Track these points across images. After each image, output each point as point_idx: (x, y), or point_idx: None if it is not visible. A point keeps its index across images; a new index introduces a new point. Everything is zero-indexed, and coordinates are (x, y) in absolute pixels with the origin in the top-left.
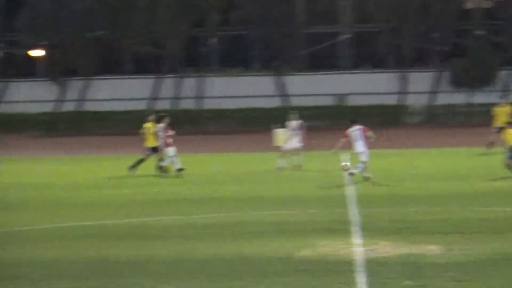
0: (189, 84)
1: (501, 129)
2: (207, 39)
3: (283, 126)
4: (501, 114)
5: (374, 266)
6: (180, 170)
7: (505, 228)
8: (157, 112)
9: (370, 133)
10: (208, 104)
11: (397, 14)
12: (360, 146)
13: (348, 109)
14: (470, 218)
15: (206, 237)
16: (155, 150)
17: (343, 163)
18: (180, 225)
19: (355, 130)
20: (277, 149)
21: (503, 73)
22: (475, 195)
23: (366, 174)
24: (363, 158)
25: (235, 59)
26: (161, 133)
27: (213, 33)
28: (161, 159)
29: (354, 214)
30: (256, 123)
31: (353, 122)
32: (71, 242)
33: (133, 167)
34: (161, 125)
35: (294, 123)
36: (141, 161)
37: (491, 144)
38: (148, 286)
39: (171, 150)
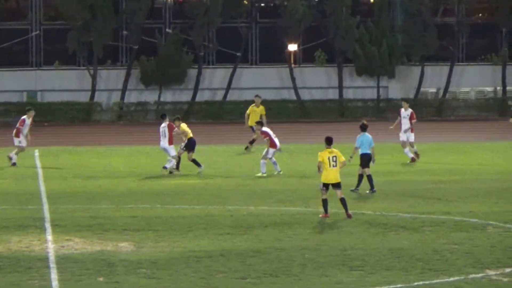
0: None
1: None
2: None
3: None
4: (252, 113)
5: (66, 262)
6: None
7: (194, 225)
8: None
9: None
10: None
11: (87, 11)
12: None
13: (39, 105)
14: (160, 215)
15: None
16: None
17: None
18: None
19: (163, 127)
20: None
21: (192, 72)
22: (166, 192)
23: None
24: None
25: None
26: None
27: None
28: None
29: (46, 210)
30: None
31: (163, 118)
32: None
33: None
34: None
35: None
36: None
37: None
38: None
39: None
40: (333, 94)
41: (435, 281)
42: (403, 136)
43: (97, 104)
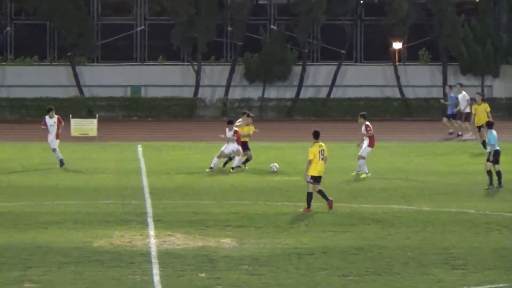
0: None
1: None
2: (2, 27)
3: (78, 116)
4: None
5: (168, 258)
6: None
7: (296, 222)
8: None
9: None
10: (4, 93)
11: (191, 6)
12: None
13: (142, 100)
14: (263, 212)
15: (2, 225)
16: None
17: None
18: None
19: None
20: (74, 139)
21: (296, 69)
22: (268, 189)
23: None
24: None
25: (31, 48)
26: None
27: (9, 21)
28: None
29: (149, 205)
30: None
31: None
32: None
33: None
34: None
35: None
36: None
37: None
38: None
39: None
40: (437, 93)
41: None
42: None
43: (200, 100)
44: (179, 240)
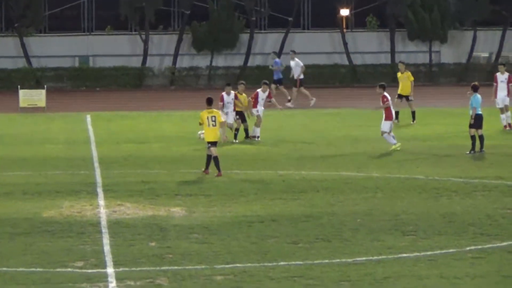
0: None
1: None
2: None
3: (26, 87)
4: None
5: (118, 227)
6: None
7: (246, 190)
8: None
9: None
10: None
11: None
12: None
13: (91, 70)
14: (213, 180)
15: None
16: None
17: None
18: None
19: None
20: (22, 110)
21: (244, 37)
22: (219, 158)
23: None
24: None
25: None
26: None
27: None
28: None
29: (98, 175)
30: None
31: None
32: None
33: None
34: None
35: None
36: None
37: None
38: None
39: None
40: (385, 59)
41: (487, 245)
42: (501, 102)
43: (149, 69)
44: (129, 210)
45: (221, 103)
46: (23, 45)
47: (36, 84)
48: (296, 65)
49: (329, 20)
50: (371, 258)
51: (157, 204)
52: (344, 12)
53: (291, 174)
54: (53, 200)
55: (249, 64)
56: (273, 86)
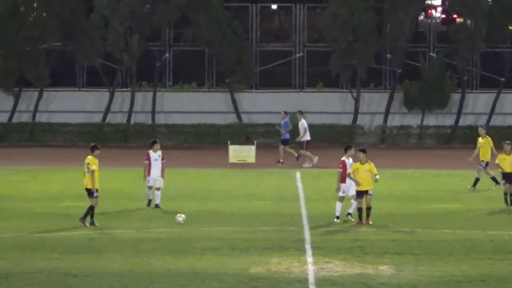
0: (143, 98)
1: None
2: (161, 54)
3: (236, 143)
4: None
5: (326, 285)
6: None
7: (455, 250)
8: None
9: None
10: (162, 119)
11: (350, 33)
12: None
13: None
14: (422, 239)
15: (159, 251)
16: None
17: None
18: (133, 238)
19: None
20: (232, 165)
21: (455, 96)
22: (426, 216)
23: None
24: None
25: (189, 74)
26: None
27: (167, 48)
28: None
29: (307, 232)
30: (209, 139)
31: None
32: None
33: None
34: None
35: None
36: None
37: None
38: None
39: None
40: None
41: None
42: None
43: (359, 127)
44: (337, 267)
45: None
46: (233, 101)
47: (246, 139)
48: (301, 126)
49: None
50: None
51: (365, 262)
52: None
53: (500, 234)
54: (261, 256)
55: (460, 123)
56: (281, 147)
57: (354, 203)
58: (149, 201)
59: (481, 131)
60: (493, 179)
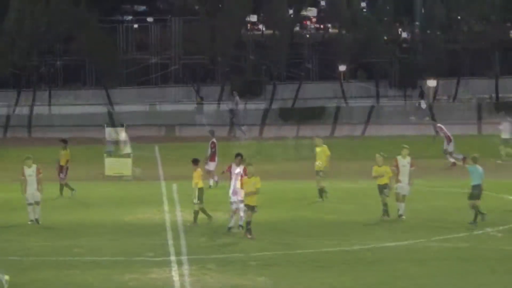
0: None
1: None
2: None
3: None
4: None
5: None
6: None
7: (336, 261)
8: None
9: None
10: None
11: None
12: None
13: None
14: (303, 250)
15: None
16: None
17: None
18: None
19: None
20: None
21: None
22: (309, 226)
23: None
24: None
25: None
26: None
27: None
28: None
29: (183, 242)
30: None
31: None
32: None
33: None
34: None
35: None
36: None
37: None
38: None
39: None
40: None
41: None
42: None
43: None
44: (212, 278)
45: None
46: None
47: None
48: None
49: None
50: None
51: (246, 273)
52: None
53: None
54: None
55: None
56: None
57: (242, 216)
58: None
59: (317, 141)
60: (320, 191)
